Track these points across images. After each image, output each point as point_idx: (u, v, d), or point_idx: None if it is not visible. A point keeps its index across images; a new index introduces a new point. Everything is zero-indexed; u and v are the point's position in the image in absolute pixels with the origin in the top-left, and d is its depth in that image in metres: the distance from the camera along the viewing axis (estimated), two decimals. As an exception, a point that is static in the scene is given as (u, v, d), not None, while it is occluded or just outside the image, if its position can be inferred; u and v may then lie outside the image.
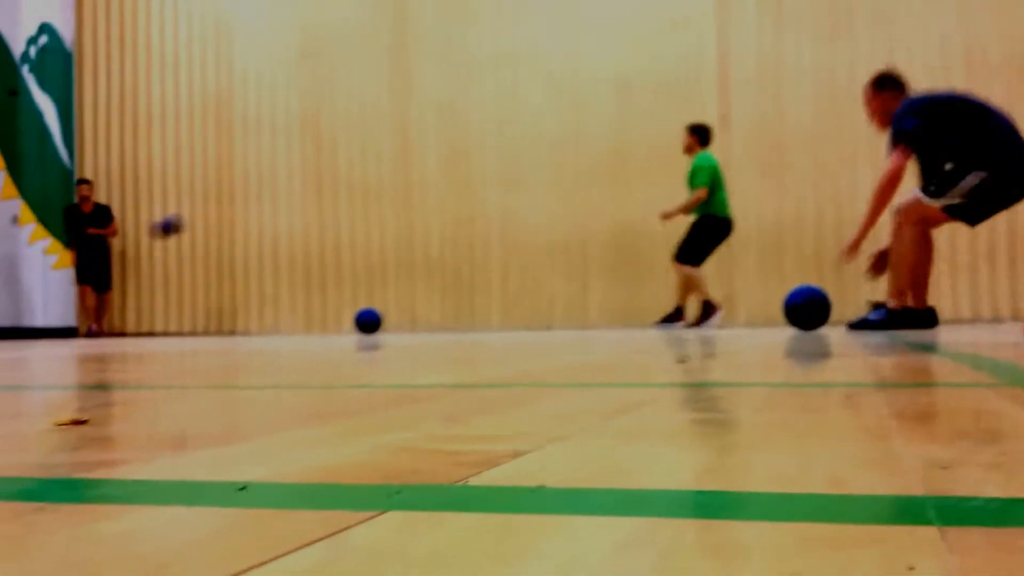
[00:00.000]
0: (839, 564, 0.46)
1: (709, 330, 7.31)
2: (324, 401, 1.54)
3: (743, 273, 9.70)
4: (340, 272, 10.95)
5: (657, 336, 5.71)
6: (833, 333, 5.52)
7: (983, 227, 5.95)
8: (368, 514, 0.60)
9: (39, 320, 11.07)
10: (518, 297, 10.39)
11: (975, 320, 9.16)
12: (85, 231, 10.98)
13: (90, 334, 10.95)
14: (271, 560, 0.49)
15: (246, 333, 10.99)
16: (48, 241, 11.24)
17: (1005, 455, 0.80)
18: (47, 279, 11.19)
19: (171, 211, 11.10)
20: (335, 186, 10.99)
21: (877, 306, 6.00)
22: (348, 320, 10.53)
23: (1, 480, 0.79)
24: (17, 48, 11.10)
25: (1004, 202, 5.67)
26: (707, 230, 8.28)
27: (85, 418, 1.26)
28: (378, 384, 1.94)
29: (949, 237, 8.77)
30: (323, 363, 2.96)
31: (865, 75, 9.66)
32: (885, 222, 6.12)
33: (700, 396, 1.48)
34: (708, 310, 8.22)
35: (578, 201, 10.22)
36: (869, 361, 2.37)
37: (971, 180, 5.52)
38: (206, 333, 11.17)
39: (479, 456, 0.85)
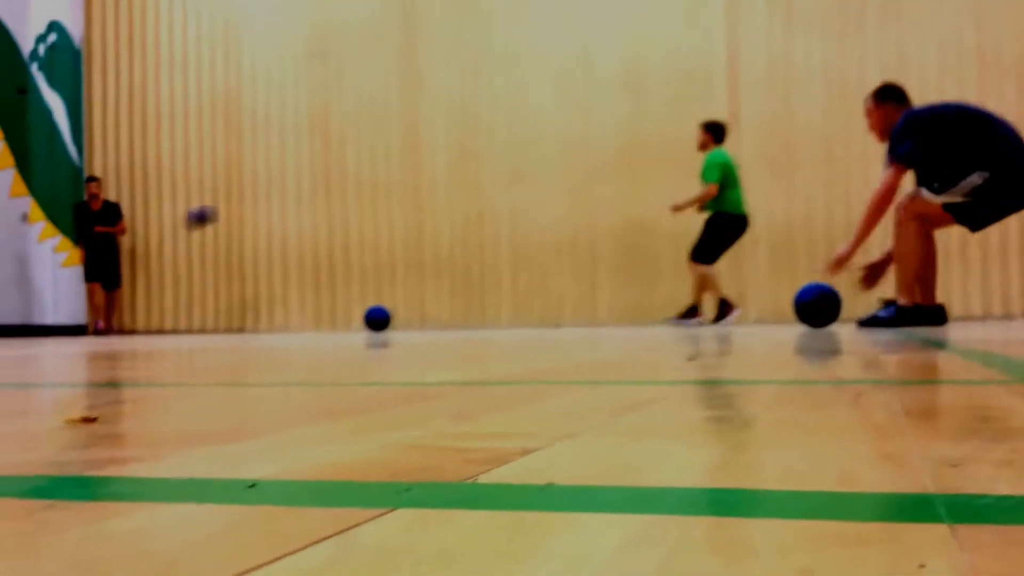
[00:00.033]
0: (849, 562, 0.46)
1: (726, 327, 7.29)
2: (334, 398, 1.54)
3: (754, 271, 9.69)
4: (349, 270, 10.96)
5: (668, 333, 5.71)
6: (843, 330, 5.50)
7: (994, 224, 5.92)
8: (377, 512, 0.60)
9: (49, 318, 11.12)
10: (527, 294, 10.39)
11: (986, 317, 9.13)
12: (93, 229, 11.01)
13: (97, 332, 10.99)
14: (281, 558, 0.49)
15: (255, 331, 11.02)
16: (58, 239, 11.28)
17: (1016, 452, 0.80)
18: (57, 277, 11.23)
19: (203, 204, 11.08)
20: (344, 184, 11.01)
21: (888, 303, 5.98)
22: (358, 317, 10.54)
23: (12, 478, 0.79)
24: (26, 46, 11.14)
25: (1005, 209, 5.65)
26: (720, 228, 8.25)
27: (95, 416, 1.26)
28: (388, 382, 1.94)
29: (960, 234, 8.74)
30: (333, 360, 2.96)
31: (876, 74, 9.68)
32: (876, 233, 6.12)
33: (710, 393, 1.48)
34: (724, 308, 8.20)
35: (587, 199, 10.21)
36: (879, 358, 2.36)
37: (974, 179, 5.51)
38: (215, 331, 11.19)
39: (488, 453, 0.85)
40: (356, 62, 10.97)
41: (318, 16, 11.09)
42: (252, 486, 0.71)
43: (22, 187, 11.01)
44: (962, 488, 0.64)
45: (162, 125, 11.67)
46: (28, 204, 11.05)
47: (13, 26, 10.96)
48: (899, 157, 5.70)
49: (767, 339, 4.18)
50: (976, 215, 5.65)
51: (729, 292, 9.05)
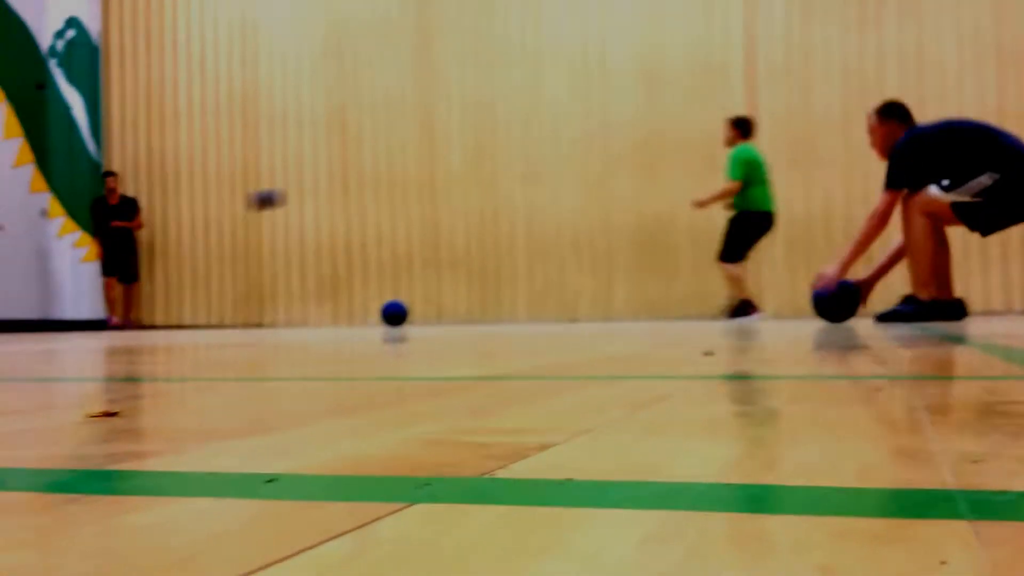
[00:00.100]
0: (869, 559, 0.46)
1: (739, 324, 7.27)
2: (351, 393, 1.54)
3: (771, 265, 9.65)
4: (366, 265, 10.98)
5: (685, 328, 5.70)
6: (862, 325, 5.48)
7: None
8: (396, 506, 0.60)
9: (69, 312, 11.19)
10: (543, 289, 10.39)
11: (1007, 312, 9.07)
12: (111, 224, 11.06)
13: (111, 326, 11.03)
14: (299, 552, 0.49)
15: (273, 325, 11.06)
16: (77, 234, 11.35)
17: (1038, 449, 0.79)
18: (76, 272, 11.30)
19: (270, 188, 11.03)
20: (361, 180, 11.03)
21: (907, 298, 5.95)
22: (375, 312, 10.57)
23: (33, 471, 0.80)
24: (44, 42, 11.20)
25: (1013, 214, 5.62)
26: (745, 226, 8.14)
27: (116, 410, 1.27)
28: (405, 376, 1.94)
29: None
30: (350, 355, 2.97)
31: (894, 67, 9.62)
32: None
33: (727, 389, 1.47)
34: (746, 308, 8.15)
35: (603, 193, 10.20)
36: (898, 353, 2.35)
37: (983, 180, 5.49)
38: (234, 326, 11.24)
39: (506, 449, 0.85)
40: (372, 59, 10.98)
41: (335, 13, 11.11)
42: (271, 481, 0.71)
43: (42, 183, 11.08)
44: (983, 484, 0.64)
45: (180, 120, 11.72)
46: (48, 200, 11.13)
47: (31, 21, 11.02)
48: (894, 184, 5.74)
49: (785, 334, 4.17)
50: (985, 218, 5.60)
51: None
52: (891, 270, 6.31)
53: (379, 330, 7.31)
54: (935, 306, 5.77)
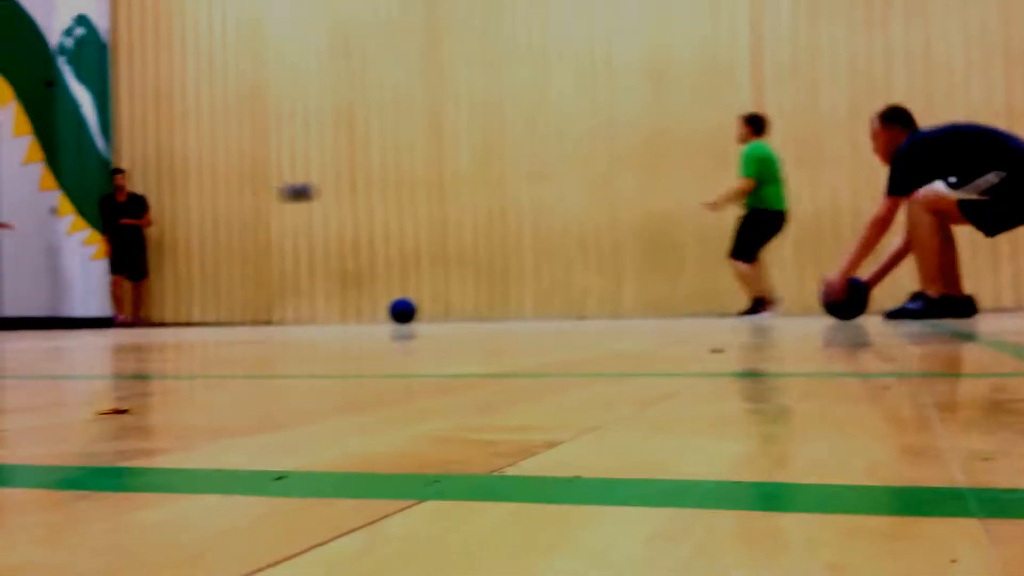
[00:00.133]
0: (879, 556, 0.46)
1: (752, 322, 7.25)
2: (360, 391, 1.54)
3: (780, 263, 9.63)
4: (374, 263, 10.99)
5: (693, 325, 5.69)
6: (871, 323, 5.47)
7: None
8: (405, 503, 0.60)
9: (78, 310, 11.22)
10: (551, 287, 10.39)
11: (1017, 309, 9.04)
12: (119, 221, 11.08)
13: (117, 324, 11.03)
14: (309, 549, 0.49)
15: (282, 323, 11.08)
16: (87, 232, 11.38)
17: (1048, 446, 0.79)
18: (86, 269, 11.33)
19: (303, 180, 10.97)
20: (369, 178, 11.03)
21: (916, 295, 5.94)
22: (383, 310, 10.58)
23: (44, 468, 0.80)
24: (53, 40, 11.23)
25: (1019, 216, 5.60)
26: (756, 224, 8.06)
27: (126, 408, 1.27)
28: (413, 374, 1.94)
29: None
30: (359, 353, 2.98)
31: (902, 65, 9.60)
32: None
33: (736, 386, 1.47)
34: (757, 306, 8.11)
35: (610, 192, 10.19)
36: (907, 350, 2.34)
37: (990, 178, 5.47)
38: (242, 323, 11.26)
39: (514, 446, 0.85)
40: (380, 57, 10.99)
41: (342, 12, 11.12)
42: (280, 478, 0.71)
43: (51, 181, 11.11)
44: (993, 482, 0.64)
45: (189, 118, 11.74)
46: (57, 197, 11.16)
47: (40, 19, 11.05)
48: (896, 191, 5.73)
49: (793, 331, 4.16)
50: (991, 216, 5.58)
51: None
52: (891, 271, 6.30)
53: (387, 327, 7.31)
54: (944, 303, 5.75)
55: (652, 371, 1.84)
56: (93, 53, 11.66)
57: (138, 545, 0.51)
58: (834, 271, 6.13)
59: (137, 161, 11.86)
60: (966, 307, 5.84)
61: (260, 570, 0.45)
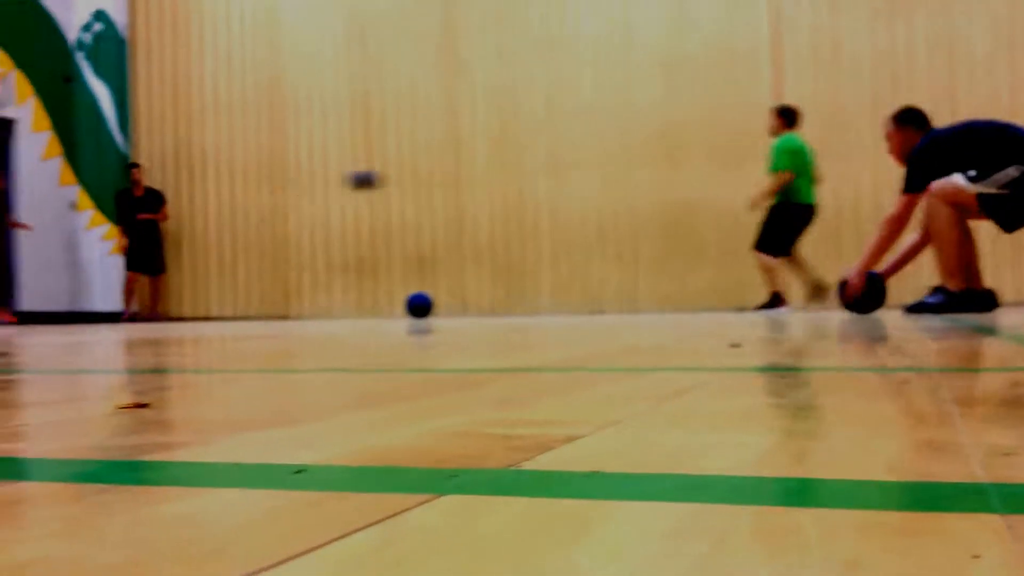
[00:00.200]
0: (901, 552, 0.45)
1: (769, 317, 7.22)
2: (378, 385, 1.55)
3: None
4: (391, 256, 11.01)
5: (711, 319, 5.67)
6: (890, 317, 5.44)
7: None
8: (424, 497, 0.60)
9: (97, 304, 11.29)
10: (568, 281, 10.38)
11: (1037, 303, 8.97)
12: (136, 216, 11.09)
13: (124, 319, 11.03)
14: (329, 542, 0.49)
15: (299, 317, 11.11)
16: (106, 227, 11.44)
17: (1070, 442, 0.78)
18: (105, 264, 11.39)
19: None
20: (385, 171, 11.05)
21: (936, 289, 5.90)
22: (399, 304, 10.59)
23: (65, 462, 0.81)
24: (71, 35, 11.29)
25: None
26: (784, 218, 7.98)
27: (146, 402, 1.28)
28: (431, 368, 1.94)
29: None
30: (376, 347, 2.98)
31: (924, 55, 9.53)
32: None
33: (755, 381, 1.47)
34: (775, 301, 8.07)
35: (627, 183, 10.17)
36: (927, 345, 2.33)
37: (1010, 172, 5.42)
38: (259, 317, 11.30)
39: (533, 441, 0.85)
40: (396, 47, 10.99)
41: (358, 3, 11.13)
42: (299, 472, 0.72)
43: (71, 175, 11.17)
44: (1015, 477, 0.63)
45: (206, 111, 11.78)
46: (76, 192, 11.22)
47: (58, 14, 11.11)
48: (912, 188, 5.70)
49: (812, 325, 4.14)
50: (1010, 211, 5.53)
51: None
52: (907, 264, 6.26)
53: (404, 322, 7.32)
54: (965, 297, 5.71)
55: (670, 366, 1.84)
56: (111, 48, 11.71)
57: (158, 539, 0.51)
58: (851, 268, 6.10)
59: (155, 155, 11.91)
60: (986, 301, 5.79)
61: (280, 563, 0.46)
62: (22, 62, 10.59)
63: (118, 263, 11.41)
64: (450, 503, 0.59)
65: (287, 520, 0.55)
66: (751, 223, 8.93)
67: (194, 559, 0.47)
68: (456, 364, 2.01)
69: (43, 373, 2.08)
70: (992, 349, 2.14)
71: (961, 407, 1.03)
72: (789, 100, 9.59)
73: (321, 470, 0.73)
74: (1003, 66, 9.27)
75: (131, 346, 3.54)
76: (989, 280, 6.13)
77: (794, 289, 9.04)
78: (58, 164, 11.04)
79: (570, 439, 0.85)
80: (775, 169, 7.92)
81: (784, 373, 1.60)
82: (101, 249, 11.41)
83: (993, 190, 5.47)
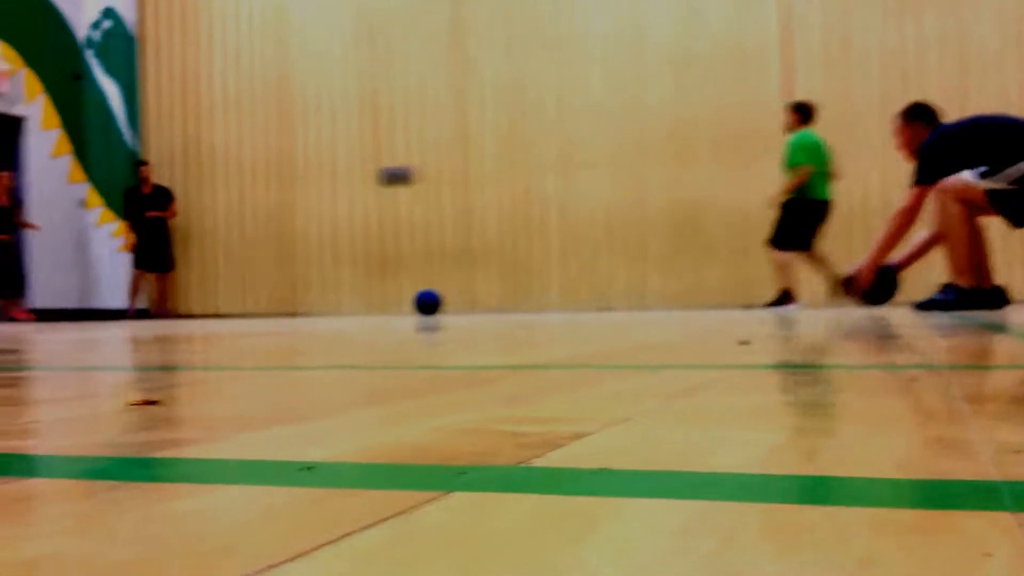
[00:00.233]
0: (912, 550, 0.45)
1: (779, 314, 7.20)
2: (387, 382, 1.55)
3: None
4: (400, 253, 11.02)
5: (720, 317, 5.67)
6: (900, 314, 5.43)
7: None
8: (432, 494, 0.60)
9: (107, 301, 11.32)
10: (576, 278, 10.38)
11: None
12: (144, 213, 11.09)
13: (134, 315, 11.02)
14: (339, 539, 0.49)
15: (307, 314, 11.12)
16: (115, 224, 11.47)
17: (1081, 439, 0.78)
18: (114, 261, 11.42)
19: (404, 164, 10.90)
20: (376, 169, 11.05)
21: (946, 287, 5.88)
22: (408, 301, 10.60)
23: (76, 459, 0.81)
24: (81, 33, 11.31)
25: None
26: (798, 213, 7.94)
27: (156, 399, 1.28)
28: (440, 365, 1.95)
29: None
30: (385, 344, 2.98)
31: (935, 53, 9.50)
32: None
33: (763, 378, 1.46)
34: (785, 298, 8.05)
35: (637, 181, 10.16)
36: (937, 342, 2.32)
37: (1022, 167, 5.40)
38: (268, 314, 11.32)
39: (542, 438, 0.85)
40: (405, 44, 10.99)
41: (367, 0, 11.13)
42: (309, 468, 0.72)
43: (80, 173, 11.20)
44: (1026, 476, 0.63)
45: (215, 109, 11.80)
46: (86, 190, 11.25)
47: (68, 13, 11.13)
48: (924, 179, 5.68)
49: (822, 323, 4.13)
50: (1018, 207, 5.51)
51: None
52: (922, 257, 6.23)
53: (413, 319, 7.33)
54: (975, 294, 5.70)
55: (679, 363, 1.84)
56: (120, 46, 11.74)
57: (169, 535, 0.52)
58: (861, 261, 6.09)
59: (164, 153, 11.93)
60: (997, 298, 5.78)
61: (290, 560, 0.46)
62: (31, 60, 10.62)
63: (127, 260, 11.43)
64: (459, 500, 0.59)
65: (297, 516, 0.56)
66: (760, 221, 8.91)
67: (205, 555, 0.47)
68: (465, 361, 2.02)
69: (53, 370, 2.09)
70: (1002, 346, 2.14)
71: (972, 404, 1.03)
72: (799, 98, 9.57)
73: (330, 467, 0.73)
74: (1013, 64, 9.23)
75: (140, 343, 3.55)
76: (999, 277, 6.11)
77: (805, 286, 9.02)
78: (67, 162, 11.07)
79: (578, 436, 0.85)
80: (792, 164, 7.88)
81: (793, 370, 1.60)
82: (110, 246, 11.44)
83: (1003, 185, 5.45)
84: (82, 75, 11.30)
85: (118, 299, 11.37)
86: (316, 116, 11.35)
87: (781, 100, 9.33)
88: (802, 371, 1.57)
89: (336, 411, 1.12)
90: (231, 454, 0.80)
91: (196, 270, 11.79)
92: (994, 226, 6.25)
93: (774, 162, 8.50)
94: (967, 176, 5.53)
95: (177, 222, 11.58)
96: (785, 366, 1.70)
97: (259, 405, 1.22)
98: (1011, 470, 0.65)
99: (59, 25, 11.01)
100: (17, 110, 10.48)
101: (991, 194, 5.47)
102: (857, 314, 5.58)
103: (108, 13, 11.60)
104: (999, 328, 3.11)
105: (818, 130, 8.96)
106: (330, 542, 0.49)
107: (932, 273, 7.42)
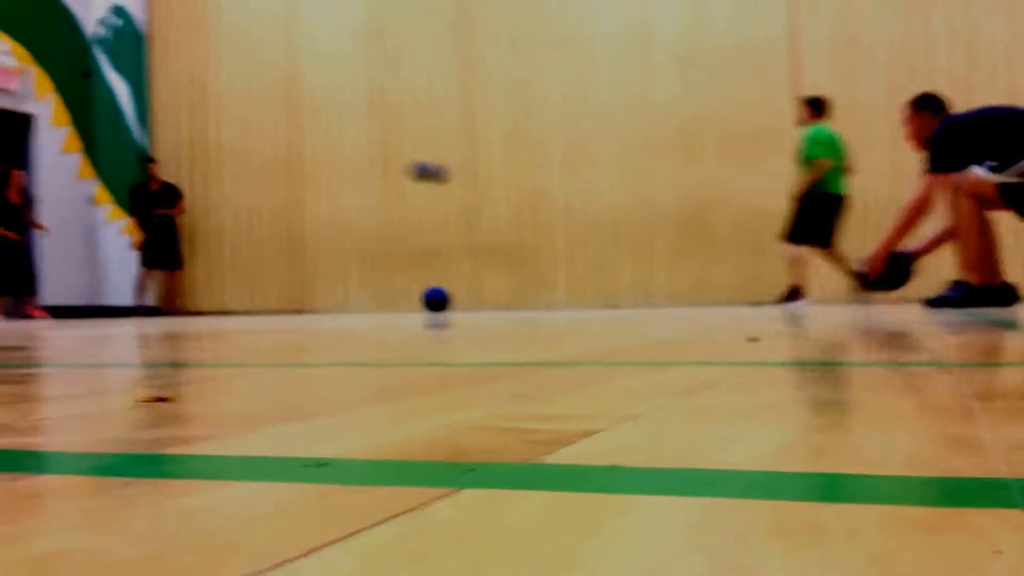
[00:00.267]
0: (923, 547, 0.45)
1: (788, 311, 7.19)
2: (395, 379, 1.55)
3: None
4: (408, 250, 11.02)
5: (728, 313, 5.66)
6: (910, 310, 5.41)
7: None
8: (442, 491, 0.61)
9: (117, 298, 11.35)
10: (584, 275, 10.37)
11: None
12: (151, 211, 11.04)
13: (142, 312, 11.01)
14: (349, 535, 0.50)
15: (315, 311, 11.14)
16: (124, 221, 11.49)
17: (1092, 437, 0.78)
18: (124, 258, 11.44)
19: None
20: (402, 165, 11.05)
21: (956, 283, 5.86)
22: (416, 298, 10.61)
23: (87, 455, 0.81)
24: (90, 30, 11.34)
25: None
26: (812, 207, 7.90)
27: (167, 396, 1.29)
28: (448, 362, 1.95)
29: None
30: (393, 341, 2.99)
31: (944, 48, 9.46)
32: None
33: (773, 375, 1.46)
34: (794, 294, 8.03)
35: (644, 177, 10.14)
36: (947, 339, 2.31)
37: None
38: (276, 311, 11.34)
39: (551, 435, 0.85)
40: (412, 45, 10.99)
41: (376, -2, 11.14)
42: (318, 465, 0.72)
43: (89, 170, 11.23)
44: (1037, 473, 0.63)
45: (223, 106, 11.81)
46: (95, 186, 11.28)
47: (77, 10, 11.16)
48: (937, 167, 5.67)
49: (831, 319, 4.13)
50: None
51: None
52: (939, 247, 6.21)
53: (421, 316, 7.34)
54: (985, 291, 5.68)
55: (689, 360, 1.84)
56: (129, 43, 11.76)
57: (179, 531, 0.52)
58: (872, 248, 6.07)
59: (172, 150, 11.95)
60: (1007, 295, 5.76)
61: (301, 556, 0.46)
62: (41, 58, 10.66)
63: (136, 257, 11.45)
64: (469, 497, 0.59)
65: (307, 513, 0.56)
66: (768, 218, 8.89)
67: (216, 552, 0.47)
68: (473, 358, 2.02)
69: (64, 367, 2.10)
70: (1013, 343, 2.13)
71: (982, 402, 1.03)
72: (807, 94, 9.54)
73: (341, 464, 0.73)
74: (1022, 59, 9.19)
75: (150, 340, 3.56)
76: (1010, 275, 6.08)
77: (815, 283, 9.00)
78: (77, 159, 11.10)
79: (588, 433, 0.85)
80: (809, 157, 7.84)
81: (802, 368, 1.59)
82: (120, 243, 11.47)
83: (1013, 179, 5.43)
84: (91, 73, 11.33)
85: (128, 296, 11.39)
86: (324, 113, 11.36)
87: (789, 97, 9.31)
88: (811, 368, 1.57)
89: (345, 408, 1.12)
90: (240, 451, 0.81)
91: (204, 267, 11.81)
92: (1004, 223, 6.23)
93: (782, 159, 8.48)
94: (977, 171, 5.52)
95: (185, 219, 11.59)
96: (794, 363, 1.70)
97: (268, 402, 1.22)
98: (1021, 467, 0.65)
99: (68, 23, 11.04)
100: (27, 107, 10.52)
101: (1002, 188, 5.46)
102: (867, 311, 5.57)
103: (117, 11, 11.63)
104: (1009, 325, 3.10)
105: (829, 125, 8.93)
106: (340, 539, 0.49)
107: (942, 270, 7.39)
